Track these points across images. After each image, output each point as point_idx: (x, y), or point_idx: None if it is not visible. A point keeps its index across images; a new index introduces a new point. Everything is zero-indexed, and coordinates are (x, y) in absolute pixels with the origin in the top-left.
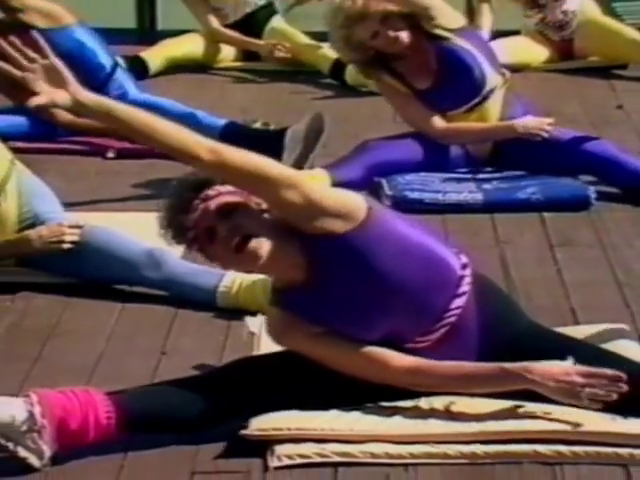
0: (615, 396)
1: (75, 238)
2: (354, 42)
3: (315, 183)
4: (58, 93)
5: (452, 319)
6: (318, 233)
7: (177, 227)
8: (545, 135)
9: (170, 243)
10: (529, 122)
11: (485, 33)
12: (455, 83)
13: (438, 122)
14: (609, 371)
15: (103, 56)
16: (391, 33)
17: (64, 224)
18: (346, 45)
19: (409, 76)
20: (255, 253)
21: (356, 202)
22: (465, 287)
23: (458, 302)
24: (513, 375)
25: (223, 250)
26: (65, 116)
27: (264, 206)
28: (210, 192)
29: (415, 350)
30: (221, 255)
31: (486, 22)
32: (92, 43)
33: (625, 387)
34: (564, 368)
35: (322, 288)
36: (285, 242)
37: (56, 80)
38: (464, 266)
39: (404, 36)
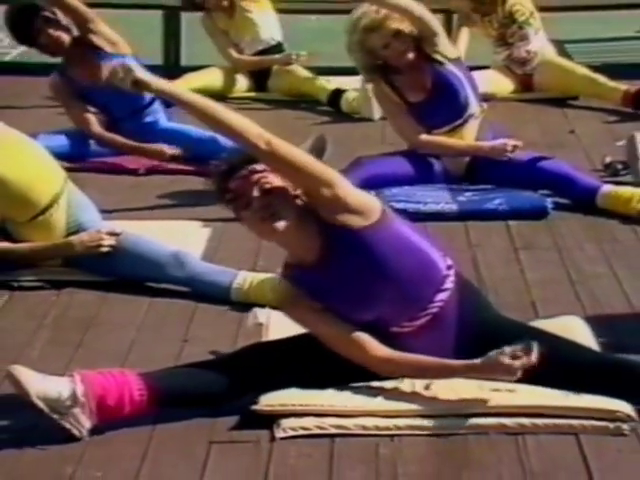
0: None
1: (112, 243)
2: (367, 47)
3: (345, 182)
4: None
5: (435, 310)
6: (337, 224)
7: (220, 188)
8: (509, 155)
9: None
10: (496, 144)
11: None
12: (443, 103)
13: (421, 135)
14: (518, 346)
15: None
16: (400, 47)
17: (102, 231)
18: (360, 48)
19: (405, 90)
20: (275, 229)
21: (374, 204)
22: (448, 284)
23: (441, 296)
24: (457, 373)
25: (251, 218)
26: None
27: (298, 192)
28: (257, 167)
29: (401, 334)
30: (248, 220)
31: (461, 45)
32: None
33: (534, 358)
34: (496, 358)
35: (328, 272)
36: (306, 226)
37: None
38: (449, 267)
39: (410, 53)
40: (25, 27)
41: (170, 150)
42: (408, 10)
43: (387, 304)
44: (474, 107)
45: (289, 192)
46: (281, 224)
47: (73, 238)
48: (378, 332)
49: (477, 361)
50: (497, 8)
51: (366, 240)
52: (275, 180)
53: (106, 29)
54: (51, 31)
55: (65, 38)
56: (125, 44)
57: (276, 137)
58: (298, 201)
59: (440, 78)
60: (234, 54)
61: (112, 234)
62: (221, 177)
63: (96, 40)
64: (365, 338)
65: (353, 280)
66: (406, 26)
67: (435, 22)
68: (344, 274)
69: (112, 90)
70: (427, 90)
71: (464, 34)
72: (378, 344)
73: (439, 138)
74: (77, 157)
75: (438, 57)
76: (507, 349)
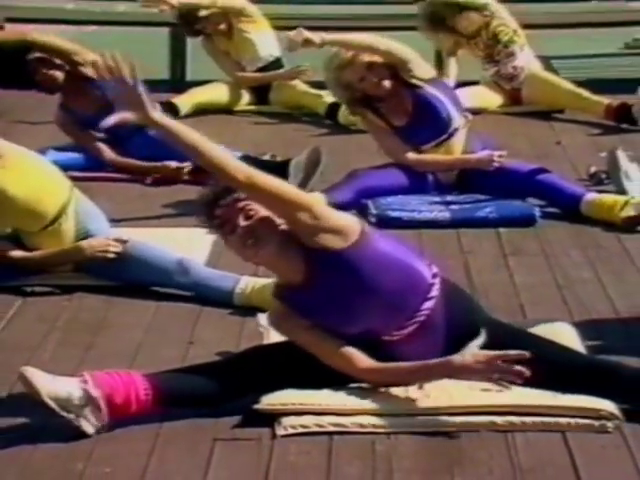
0: (523, 370)
1: (119, 249)
2: (343, 82)
3: (322, 206)
4: (132, 113)
5: (422, 318)
6: (318, 247)
7: (208, 214)
8: (496, 165)
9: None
10: (482, 156)
11: (451, 82)
12: (426, 123)
13: (410, 154)
14: (512, 352)
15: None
16: (375, 79)
17: (110, 238)
18: (337, 85)
19: (388, 115)
20: (257, 253)
21: (352, 224)
22: (434, 292)
23: (427, 305)
24: (433, 370)
25: (236, 242)
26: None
27: (280, 219)
28: (241, 195)
29: (392, 341)
30: (233, 245)
31: (452, 73)
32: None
33: (526, 371)
34: (475, 357)
35: (314, 292)
36: (290, 251)
37: (135, 102)
38: (434, 275)
39: (386, 82)
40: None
41: (184, 167)
42: (373, 47)
43: (374, 317)
44: (457, 121)
45: (272, 219)
46: (264, 250)
47: (82, 243)
48: (370, 342)
49: (451, 357)
50: (481, 32)
51: (347, 260)
52: (258, 208)
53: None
54: (44, 70)
55: (58, 75)
56: None
57: (255, 170)
58: (281, 227)
59: (420, 100)
60: (237, 73)
61: (119, 241)
62: (207, 205)
63: (87, 70)
64: (351, 352)
65: (338, 298)
66: (377, 57)
67: (403, 50)
68: (329, 293)
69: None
70: (409, 113)
71: (452, 63)
72: (364, 357)
73: (427, 156)
74: (86, 169)
75: (414, 81)
76: (499, 352)
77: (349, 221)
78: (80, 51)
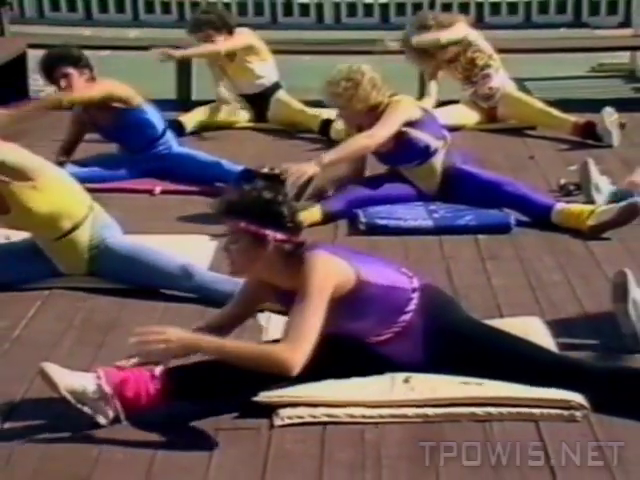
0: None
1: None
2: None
3: (331, 283)
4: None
5: (397, 329)
6: None
7: (220, 219)
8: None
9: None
10: None
11: (433, 100)
12: (406, 154)
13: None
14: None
15: (159, 122)
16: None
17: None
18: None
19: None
20: (251, 268)
21: (349, 278)
22: (411, 307)
23: (404, 317)
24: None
25: (235, 251)
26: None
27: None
28: (235, 222)
29: (370, 344)
30: (232, 252)
31: (433, 93)
32: (152, 113)
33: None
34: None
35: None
36: (281, 268)
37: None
38: (414, 290)
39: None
40: (48, 74)
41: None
42: (370, 147)
43: (356, 329)
44: (436, 144)
45: (270, 241)
46: (257, 264)
47: None
48: (351, 341)
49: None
50: (460, 57)
51: (340, 303)
52: (240, 238)
53: (118, 92)
54: (63, 84)
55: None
56: (135, 95)
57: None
58: (280, 247)
59: (402, 140)
60: (223, 92)
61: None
62: (220, 212)
63: (110, 104)
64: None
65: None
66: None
67: (383, 133)
68: None
69: (129, 128)
70: (391, 148)
71: (434, 85)
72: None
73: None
74: (102, 182)
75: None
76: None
77: (347, 275)
78: (103, 97)
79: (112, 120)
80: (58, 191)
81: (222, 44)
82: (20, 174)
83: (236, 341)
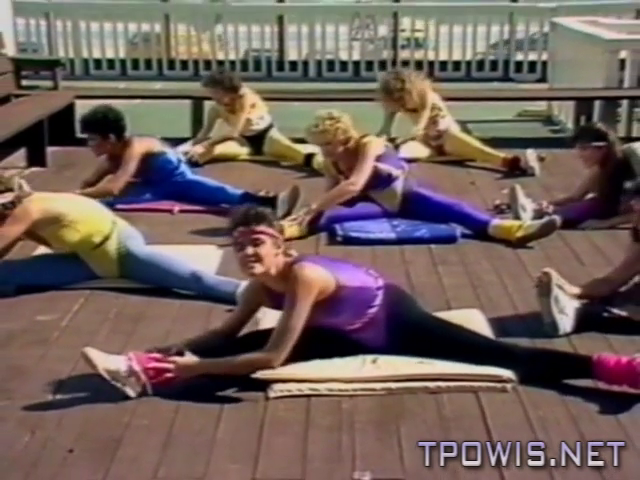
0: None
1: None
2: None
3: (315, 289)
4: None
5: (366, 319)
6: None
7: (230, 230)
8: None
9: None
10: None
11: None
12: (374, 181)
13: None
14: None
15: (174, 156)
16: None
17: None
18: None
19: (345, 172)
20: (253, 272)
21: (328, 285)
22: (377, 302)
23: (371, 310)
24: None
25: (240, 257)
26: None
27: (280, 250)
28: (258, 227)
29: (345, 331)
30: (238, 258)
31: (391, 130)
32: (170, 152)
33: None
34: None
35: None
36: (277, 276)
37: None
38: (379, 288)
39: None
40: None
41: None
42: (345, 199)
43: (332, 323)
44: (395, 173)
45: (273, 251)
46: (258, 269)
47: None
48: (328, 331)
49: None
50: (418, 109)
51: (321, 306)
52: (265, 240)
53: (144, 153)
54: (91, 144)
55: (102, 152)
56: (157, 144)
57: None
58: (279, 257)
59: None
60: (224, 131)
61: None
62: (231, 224)
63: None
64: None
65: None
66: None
67: (361, 180)
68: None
69: (153, 170)
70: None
71: (393, 123)
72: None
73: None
74: (131, 203)
75: None
76: None
77: (328, 282)
78: (155, 147)
79: (139, 168)
80: (83, 218)
81: (236, 128)
82: (50, 221)
83: (226, 357)
